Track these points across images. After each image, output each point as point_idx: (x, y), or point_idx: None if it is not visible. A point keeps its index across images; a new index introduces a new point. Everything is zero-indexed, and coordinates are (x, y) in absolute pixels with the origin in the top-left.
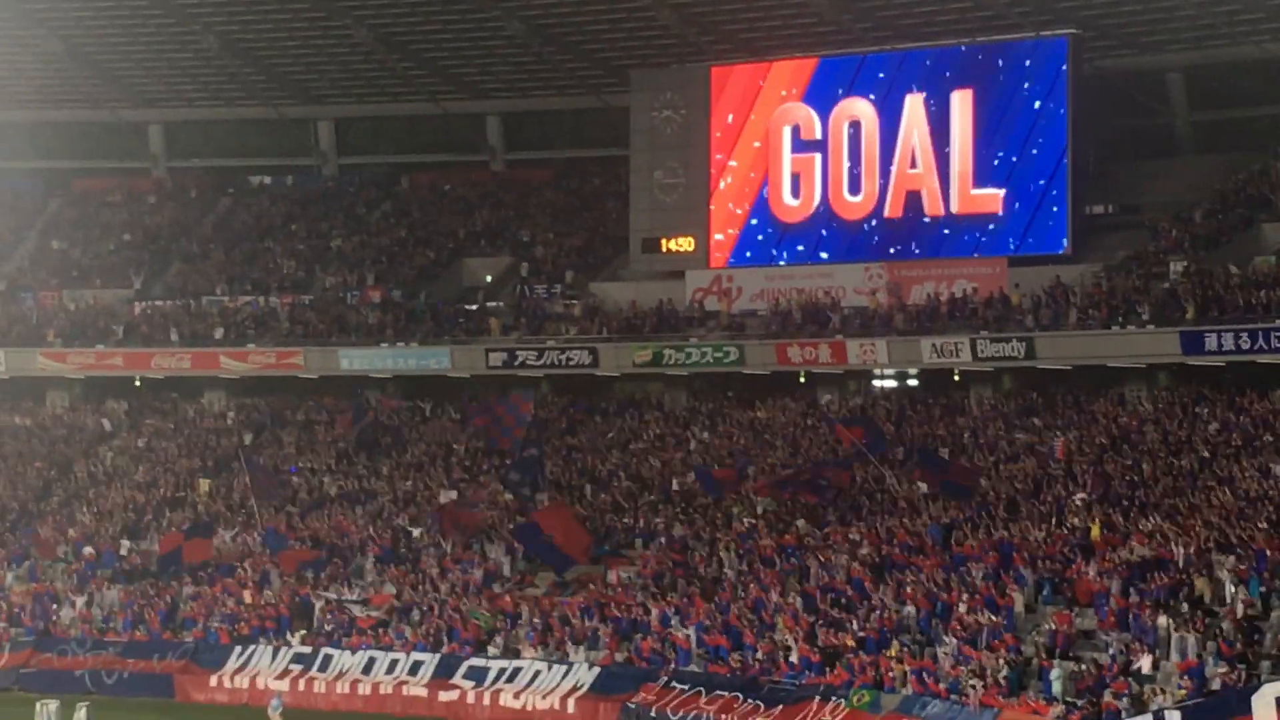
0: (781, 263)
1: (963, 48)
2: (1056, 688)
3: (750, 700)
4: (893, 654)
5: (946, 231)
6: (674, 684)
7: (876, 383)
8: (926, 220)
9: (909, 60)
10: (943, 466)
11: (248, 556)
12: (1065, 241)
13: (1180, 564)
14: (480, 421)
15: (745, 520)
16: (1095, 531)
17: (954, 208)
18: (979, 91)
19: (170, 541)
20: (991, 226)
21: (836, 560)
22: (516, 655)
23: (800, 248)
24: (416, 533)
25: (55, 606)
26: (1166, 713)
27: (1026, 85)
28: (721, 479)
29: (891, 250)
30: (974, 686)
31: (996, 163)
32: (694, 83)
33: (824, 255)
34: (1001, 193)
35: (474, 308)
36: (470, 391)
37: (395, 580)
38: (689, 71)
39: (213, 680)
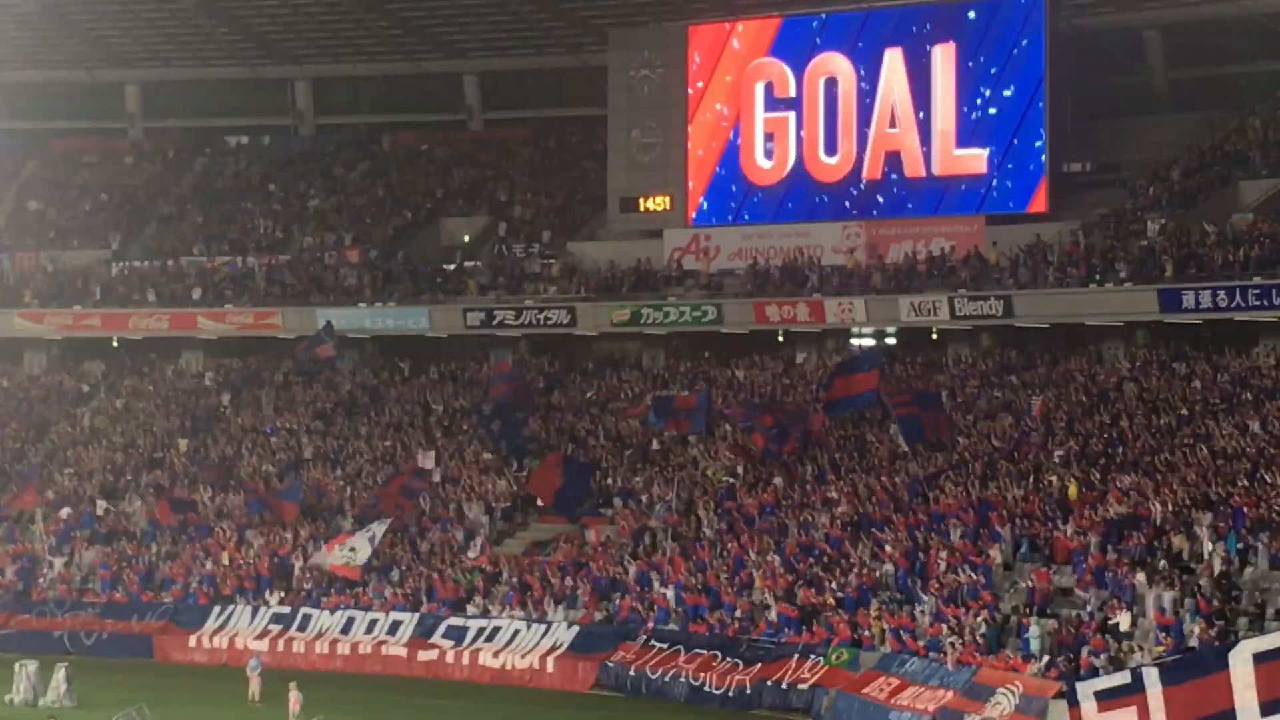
0: (758, 222)
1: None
2: (1035, 645)
3: (729, 658)
4: (872, 612)
5: (926, 191)
6: (653, 643)
7: (855, 341)
8: (907, 179)
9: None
10: (933, 412)
11: (226, 517)
12: (1043, 198)
13: (1158, 521)
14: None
15: (724, 479)
16: (1073, 490)
17: (935, 169)
18: (961, 46)
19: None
20: (964, 188)
21: (815, 519)
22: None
23: (776, 207)
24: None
25: (34, 567)
26: (1144, 669)
27: (1004, 40)
28: (680, 408)
29: (874, 213)
30: (952, 644)
31: (976, 118)
32: (671, 42)
33: (798, 215)
34: (986, 152)
35: (452, 267)
36: (449, 352)
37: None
38: (666, 30)
39: (191, 640)
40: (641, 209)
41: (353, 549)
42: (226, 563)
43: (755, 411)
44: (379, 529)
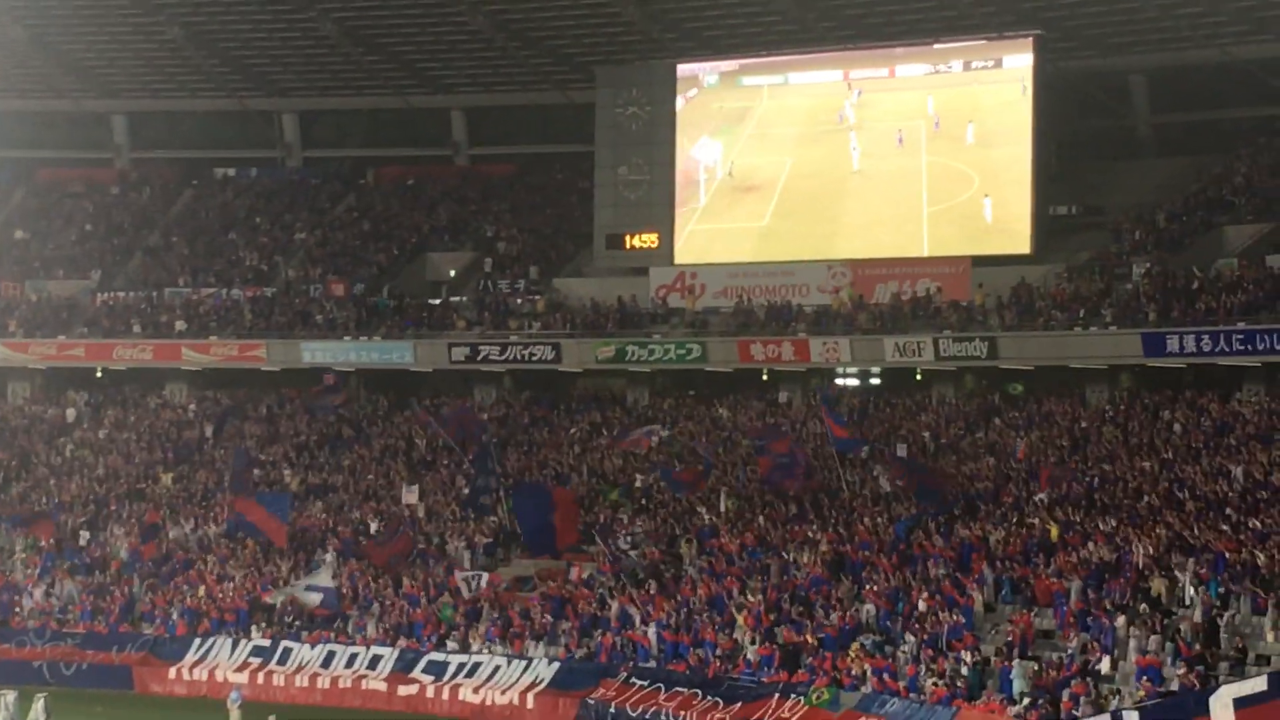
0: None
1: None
2: (1016, 687)
3: (709, 697)
4: (852, 653)
5: None
6: (633, 680)
7: (839, 381)
8: None
9: None
10: (921, 469)
11: (207, 550)
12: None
13: (1139, 565)
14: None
15: (708, 518)
16: (1054, 532)
17: None
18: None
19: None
20: None
21: (797, 558)
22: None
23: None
24: (375, 527)
25: (14, 597)
26: (1124, 713)
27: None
28: (685, 480)
29: None
30: (934, 685)
31: None
32: (658, 79)
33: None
34: None
35: (437, 302)
36: (433, 386)
37: (353, 574)
38: (653, 68)
39: (171, 672)
40: (628, 246)
41: (306, 588)
42: (202, 595)
43: (773, 436)
44: (322, 576)
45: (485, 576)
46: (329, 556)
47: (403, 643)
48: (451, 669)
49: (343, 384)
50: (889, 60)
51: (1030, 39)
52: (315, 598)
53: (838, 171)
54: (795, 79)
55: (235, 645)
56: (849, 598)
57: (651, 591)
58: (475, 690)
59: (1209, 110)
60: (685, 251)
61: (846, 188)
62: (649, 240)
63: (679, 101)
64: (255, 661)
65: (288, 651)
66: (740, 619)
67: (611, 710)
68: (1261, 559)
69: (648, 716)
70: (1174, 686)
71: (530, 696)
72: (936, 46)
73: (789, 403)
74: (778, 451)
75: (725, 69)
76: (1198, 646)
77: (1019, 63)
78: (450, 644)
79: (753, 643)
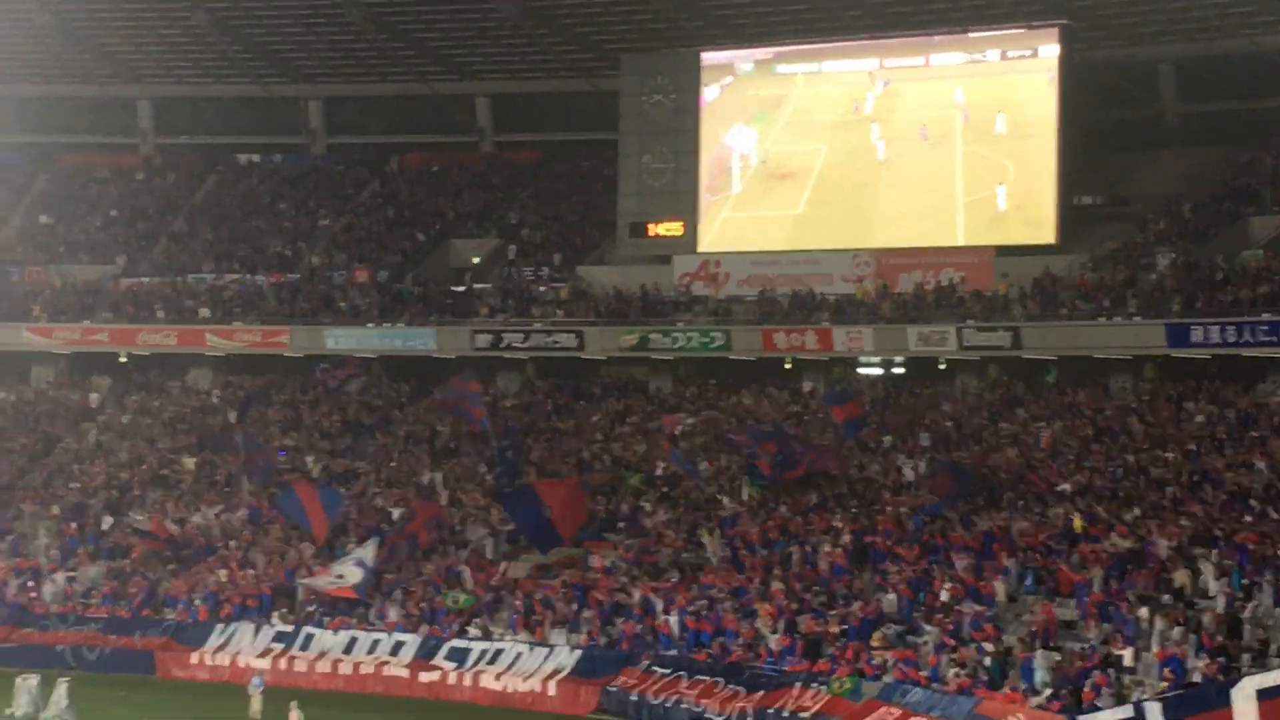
0: (768, 249)
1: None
2: (1038, 677)
3: (731, 685)
4: (874, 642)
5: None
6: (655, 668)
7: (862, 370)
8: None
9: None
10: (963, 473)
11: (231, 536)
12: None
13: (1162, 556)
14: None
15: (730, 506)
16: (1078, 523)
17: None
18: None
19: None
20: None
21: (819, 548)
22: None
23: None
24: (397, 514)
25: (37, 582)
26: (1146, 704)
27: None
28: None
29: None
30: (955, 675)
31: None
32: (684, 67)
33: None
34: None
35: (461, 289)
36: (456, 373)
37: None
38: (679, 56)
39: (194, 658)
40: (651, 234)
41: (340, 575)
42: (225, 580)
43: (760, 439)
44: (368, 552)
45: (503, 566)
46: (372, 541)
47: (425, 629)
48: (474, 656)
49: (363, 369)
50: (925, 49)
51: (1056, 29)
52: (358, 574)
53: (871, 160)
54: (829, 67)
55: (258, 631)
56: (871, 587)
57: (673, 580)
58: (497, 677)
59: (1236, 100)
60: (716, 239)
61: (881, 176)
62: (673, 228)
63: (714, 89)
64: (278, 647)
65: (310, 637)
66: (762, 608)
67: (633, 698)
68: None
69: (669, 704)
70: (1196, 678)
71: (552, 684)
72: (972, 35)
73: (812, 392)
74: (769, 451)
75: (760, 57)
76: (1220, 638)
77: (1049, 52)
78: (472, 630)
79: (774, 632)
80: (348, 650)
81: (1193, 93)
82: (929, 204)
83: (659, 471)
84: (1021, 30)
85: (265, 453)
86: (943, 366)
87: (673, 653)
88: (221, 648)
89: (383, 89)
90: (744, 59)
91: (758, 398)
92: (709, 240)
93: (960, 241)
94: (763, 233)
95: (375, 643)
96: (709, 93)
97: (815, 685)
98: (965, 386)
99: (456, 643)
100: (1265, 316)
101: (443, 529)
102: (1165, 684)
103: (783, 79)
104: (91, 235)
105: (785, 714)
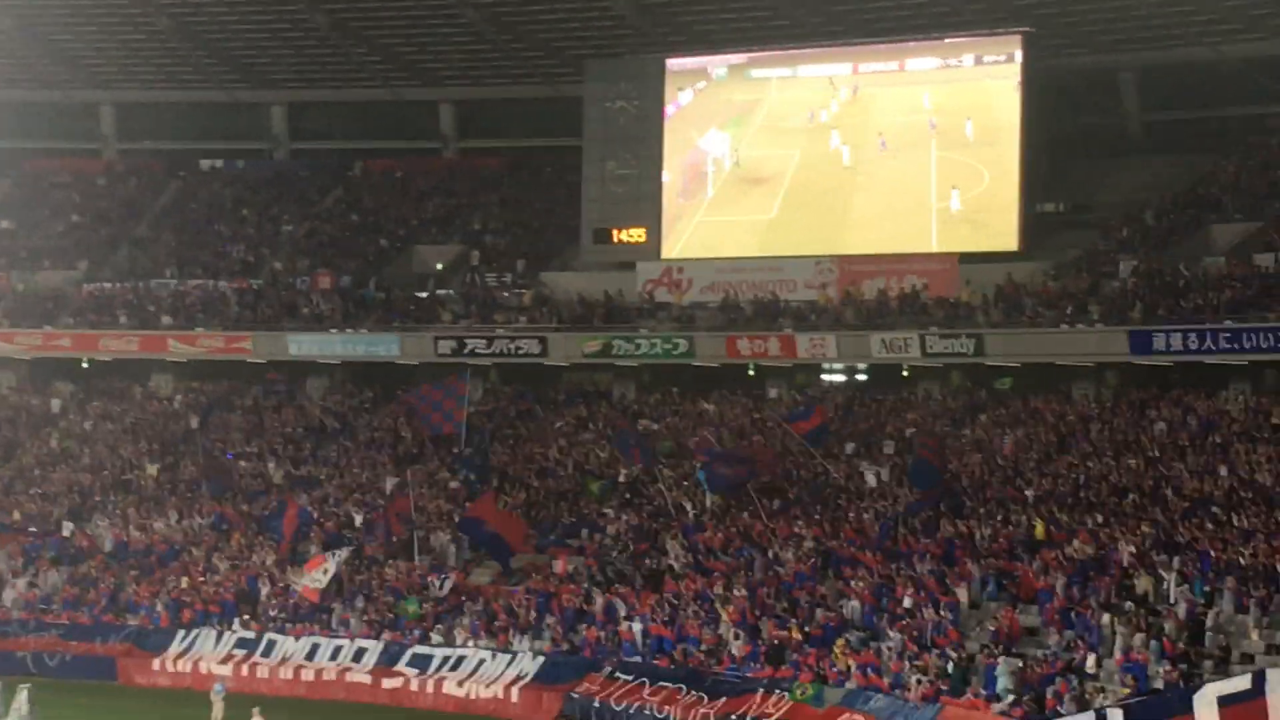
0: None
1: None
2: (1000, 684)
3: (693, 692)
4: (837, 649)
5: None
6: (618, 675)
7: (825, 377)
8: None
9: None
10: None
11: (193, 542)
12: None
13: (1124, 563)
14: (410, 401)
15: (692, 513)
16: (1040, 529)
17: None
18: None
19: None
20: None
21: (782, 554)
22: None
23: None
24: (360, 519)
25: None
26: (1109, 711)
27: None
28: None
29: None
30: (918, 681)
31: None
32: (649, 74)
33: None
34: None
35: (424, 295)
36: (419, 379)
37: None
38: (644, 62)
39: (155, 664)
40: (615, 241)
41: (325, 571)
42: (187, 586)
43: (717, 458)
44: (341, 556)
45: (452, 579)
46: (342, 551)
47: (387, 636)
48: (436, 662)
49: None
50: (900, 54)
51: (1019, 36)
52: (324, 580)
53: (840, 165)
54: (804, 72)
55: (220, 637)
56: (834, 594)
57: (636, 586)
58: (460, 684)
59: (1199, 108)
60: (688, 244)
61: (854, 182)
62: (636, 235)
63: (687, 94)
64: (240, 654)
65: (272, 644)
66: (725, 614)
67: (596, 704)
68: (1245, 558)
69: (632, 711)
70: (1158, 684)
71: (515, 690)
72: (947, 40)
73: (778, 398)
74: (724, 471)
75: (734, 61)
76: (1182, 644)
77: (1016, 59)
78: (435, 637)
79: (737, 638)
80: (310, 657)
81: (1155, 101)
82: (900, 209)
83: (620, 478)
84: (977, 38)
85: (221, 462)
86: (906, 373)
87: (636, 659)
88: (183, 654)
89: (347, 95)
90: (718, 64)
91: (720, 404)
92: (678, 246)
93: (934, 247)
94: (735, 237)
95: (338, 649)
96: (683, 97)
97: (778, 691)
98: (929, 393)
99: (419, 649)
100: (1227, 323)
101: (411, 525)
102: (1127, 690)
103: (757, 84)
104: (53, 240)
105: None
